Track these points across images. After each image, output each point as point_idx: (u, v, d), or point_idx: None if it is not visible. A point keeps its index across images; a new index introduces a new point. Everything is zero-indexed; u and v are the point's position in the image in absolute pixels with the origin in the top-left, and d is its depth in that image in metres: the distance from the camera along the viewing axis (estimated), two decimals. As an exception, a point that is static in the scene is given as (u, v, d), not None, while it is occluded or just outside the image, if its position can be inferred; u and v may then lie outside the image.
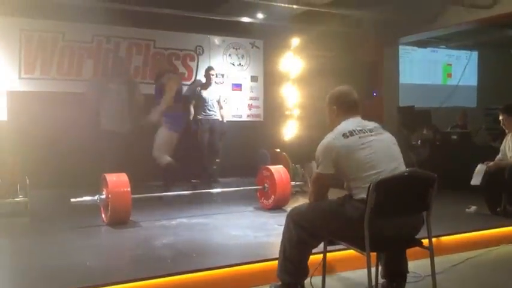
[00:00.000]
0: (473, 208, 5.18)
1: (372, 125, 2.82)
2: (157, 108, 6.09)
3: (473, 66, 11.03)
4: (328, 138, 2.73)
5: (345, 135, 2.67)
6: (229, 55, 8.41)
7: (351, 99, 2.88)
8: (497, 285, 3.38)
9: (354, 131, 2.70)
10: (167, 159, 5.99)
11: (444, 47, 10.63)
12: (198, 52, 8.12)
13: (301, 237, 2.76)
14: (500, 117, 5.26)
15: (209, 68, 7.56)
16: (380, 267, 2.98)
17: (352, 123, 2.78)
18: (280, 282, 2.89)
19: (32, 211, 5.13)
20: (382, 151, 2.68)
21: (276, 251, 3.02)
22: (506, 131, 5.24)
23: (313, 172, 2.84)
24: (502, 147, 5.26)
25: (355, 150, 2.64)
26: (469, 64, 10.75)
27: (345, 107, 2.86)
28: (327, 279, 2.85)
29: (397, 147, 2.81)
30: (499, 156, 5.24)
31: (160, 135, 6.09)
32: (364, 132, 2.71)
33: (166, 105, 6.06)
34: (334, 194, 2.79)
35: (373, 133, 2.73)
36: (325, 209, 2.73)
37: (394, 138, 2.87)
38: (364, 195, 2.51)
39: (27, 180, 5.17)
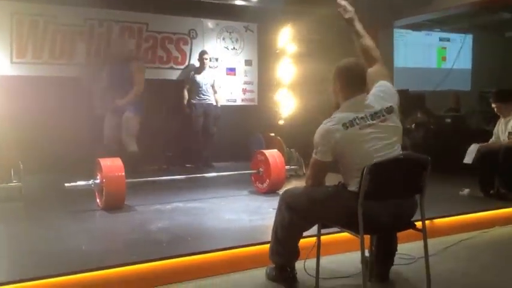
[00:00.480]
0: (466, 191, 5.22)
1: (378, 105, 2.65)
2: (128, 97, 6.05)
3: (467, 49, 11.01)
4: (328, 125, 2.62)
5: (344, 126, 2.57)
6: (223, 39, 8.35)
7: (357, 74, 2.72)
8: (490, 266, 3.41)
9: (355, 119, 2.58)
10: (135, 147, 6.06)
11: (439, 30, 10.59)
12: (191, 36, 8.05)
13: (293, 219, 2.78)
14: (493, 105, 5.27)
15: (203, 52, 7.51)
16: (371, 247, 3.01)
17: (355, 107, 2.64)
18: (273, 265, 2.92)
19: (26, 196, 5.12)
20: (381, 143, 2.57)
21: (269, 234, 3.04)
22: (502, 117, 5.24)
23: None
24: (495, 131, 5.30)
25: (353, 143, 2.57)
26: (463, 47, 10.72)
27: (349, 82, 2.71)
28: (321, 262, 2.87)
29: (399, 134, 2.69)
30: (492, 139, 5.28)
31: (131, 122, 6.08)
32: (365, 121, 2.58)
33: (136, 96, 6.10)
34: (332, 178, 2.77)
35: (375, 121, 2.60)
36: (319, 197, 2.70)
37: (397, 120, 2.70)
38: (357, 188, 2.51)
39: (21, 165, 5.15)
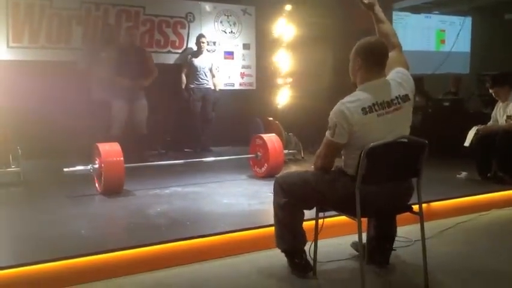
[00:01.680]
0: (463, 174, 5.24)
1: (395, 91, 2.59)
2: (147, 81, 6.36)
3: (466, 32, 10.94)
4: (349, 106, 2.51)
5: (364, 110, 2.49)
6: (221, 22, 8.29)
7: (378, 55, 2.62)
8: (487, 249, 3.44)
9: (374, 105, 2.51)
10: (145, 130, 6.43)
11: (438, 12, 10.51)
12: (188, 19, 7.99)
13: (290, 201, 2.79)
14: (491, 91, 5.26)
15: (200, 36, 7.46)
16: (370, 231, 3.03)
17: (376, 90, 2.57)
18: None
19: (25, 181, 5.14)
20: (391, 132, 2.52)
21: (268, 218, 3.06)
22: (501, 102, 5.23)
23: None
24: (493, 114, 5.30)
25: (366, 129, 2.50)
26: (462, 30, 10.66)
27: (369, 62, 2.61)
28: (319, 245, 2.89)
29: (408, 125, 2.67)
30: (490, 122, 5.28)
31: (144, 107, 6.38)
32: (383, 108, 2.52)
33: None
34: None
35: (391, 108, 2.54)
36: (315, 185, 2.69)
37: (410, 110, 2.67)
38: (355, 171, 2.50)
39: (19, 150, 5.15)
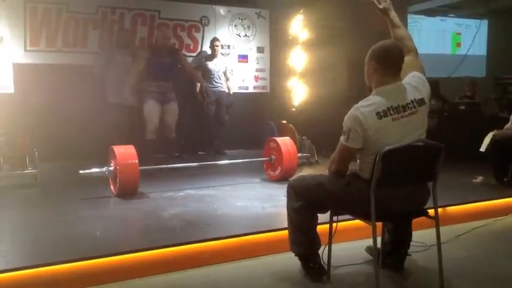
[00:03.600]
0: (480, 178, 5.18)
1: (411, 95, 2.58)
2: (201, 81, 6.77)
3: (482, 35, 10.85)
4: (363, 110, 2.50)
5: (378, 115, 2.48)
6: (235, 26, 8.31)
7: (393, 58, 2.60)
8: (503, 254, 3.39)
9: (389, 109, 2.50)
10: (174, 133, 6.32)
11: (453, 15, 10.44)
12: (203, 23, 8.03)
13: (304, 205, 2.78)
14: None
15: (214, 39, 7.49)
16: (385, 235, 3.01)
17: (391, 95, 2.55)
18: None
19: (41, 183, 5.20)
20: (406, 137, 2.52)
21: (282, 221, 3.05)
22: None
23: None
24: (511, 118, 5.22)
25: (382, 133, 2.49)
26: (478, 33, 10.57)
27: (384, 65, 2.60)
28: (333, 249, 2.87)
29: (424, 128, 2.64)
30: (508, 125, 5.21)
31: (176, 109, 6.31)
32: (398, 112, 2.51)
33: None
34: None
35: (406, 112, 2.52)
36: (329, 189, 2.69)
37: (426, 114, 2.64)
38: (370, 175, 2.49)
39: (36, 153, 5.21)
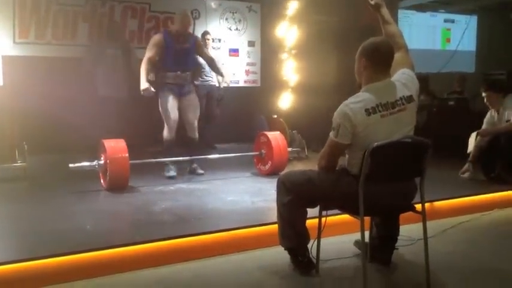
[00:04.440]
0: (467, 174, 5.24)
1: (400, 92, 2.60)
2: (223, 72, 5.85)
3: (472, 31, 10.92)
4: (352, 106, 2.52)
5: (367, 112, 2.51)
6: (226, 19, 8.31)
7: (383, 55, 2.62)
8: (489, 248, 3.45)
9: (378, 106, 2.53)
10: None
11: (443, 11, 10.50)
12: (194, 16, 8.00)
13: (294, 199, 2.81)
14: (484, 94, 5.22)
15: (205, 33, 7.46)
16: (373, 230, 3.05)
17: (380, 91, 2.58)
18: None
19: (30, 176, 5.18)
20: (395, 133, 2.55)
21: (272, 216, 3.08)
22: (490, 107, 5.22)
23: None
24: (486, 120, 5.26)
25: (370, 130, 2.52)
26: (468, 29, 10.63)
27: (375, 61, 2.62)
28: (321, 243, 2.91)
29: (412, 125, 2.66)
30: (483, 127, 5.25)
31: (197, 103, 5.52)
32: (387, 109, 2.54)
33: None
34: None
35: (395, 109, 2.56)
36: (318, 184, 2.71)
37: (414, 111, 2.67)
38: (359, 171, 2.52)
39: (25, 146, 5.19)
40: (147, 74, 5.02)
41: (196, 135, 5.42)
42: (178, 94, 5.25)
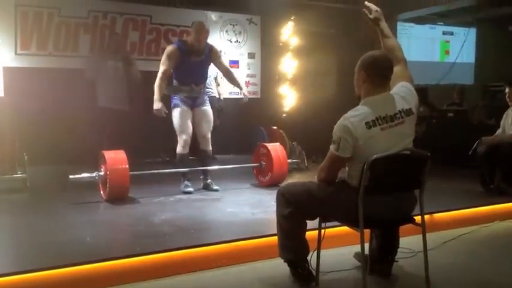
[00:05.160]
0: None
1: (399, 105, 2.61)
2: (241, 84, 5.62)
3: (471, 43, 10.98)
4: (352, 120, 2.53)
5: (367, 125, 2.52)
6: (226, 31, 8.36)
7: (382, 69, 2.64)
8: (489, 261, 3.44)
9: (378, 119, 2.54)
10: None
11: (442, 23, 10.57)
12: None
13: (293, 212, 2.81)
14: (507, 90, 5.20)
15: (206, 45, 7.49)
16: (373, 242, 3.05)
17: (379, 105, 2.59)
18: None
19: (30, 187, 5.18)
20: (394, 146, 2.56)
21: (272, 227, 3.08)
22: (510, 103, 5.21)
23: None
24: (502, 123, 5.25)
25: (370, 143, 2.53)
26: (466, 41, 10.70)
27: (374, 76, 2.63)
28: (321, 255, 2.90)
29: (411, 138, 2.67)
30: (499, 131, 5.24)
31: (211, 115, 5.39)
32: (386, 122, 2.55)
33: None
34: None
35: (394, 122, 2.57)
36: (318, 195, 2.72)
37: (413, 124, 2.69)
38: (358, 183, 2.53)
39: (26, 157, 5.20)
40: (161, 92, 4.88)
41: (210, 147, 5.30)
42: (191, 106, 5.12)
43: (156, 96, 4.84)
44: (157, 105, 4.81)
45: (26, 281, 2.74)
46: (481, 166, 5.14)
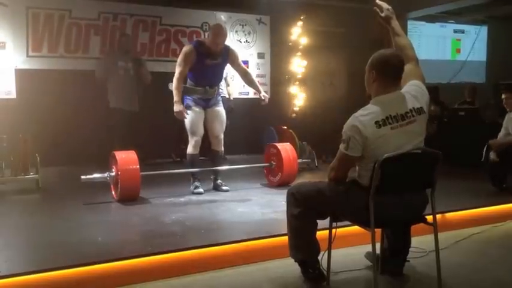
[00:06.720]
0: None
1: (410, 104, 2.60)
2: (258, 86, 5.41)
3: (482, 41, 10.90)
4: (362, 119, 2.52)
5: (377, 124, 2.50)
6: (236, 32, 8.37)
7: (393, 67, 2.61)
8: (501, 260, 3.41)
9: (388, 118, 2.52)
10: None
11: (453, 21, 10.50)
12: (204, 29, 8.09)
13: (303, 211, 2.80)
14: (503, 96, 5.21)
15: (215, 45, 7.51)
16: (384, 241, 3.03)
17: (390, 104, 2.58)
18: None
19: (43, 188, 5.24)
20: (406, 145, 2.54)
21: (282, 227, 3.07)
22: (508, 109, 5.20)
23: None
24: (504, 125, 5.23)
25: (381, 142, 2.51)
26: (478, 39, 10.62)
27: (384, 74, 2.62)
28: (332, 255, 2.90)
29: (422, 137, 2.65)
30: (502, 132, 5.22)
31: (224, 116, 5.32)
32: (397, 121, 2.53)
33: None
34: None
35: (405, 121, 2.55)
36: (329, 196, 2.71)
37: (424, 123, 2.66)
38: (369, 182, 2.52)
39: (38, 158, 5.25)
40: (180, 93, 4.79)
41: (222, 148, 5.25)
42: (204, 106, 5.06)
43: (176, 98, 4.75)
44: (177, 107, 4.73)
45: (38, 280, 2.76)
46: (492, 168, 5.09)
